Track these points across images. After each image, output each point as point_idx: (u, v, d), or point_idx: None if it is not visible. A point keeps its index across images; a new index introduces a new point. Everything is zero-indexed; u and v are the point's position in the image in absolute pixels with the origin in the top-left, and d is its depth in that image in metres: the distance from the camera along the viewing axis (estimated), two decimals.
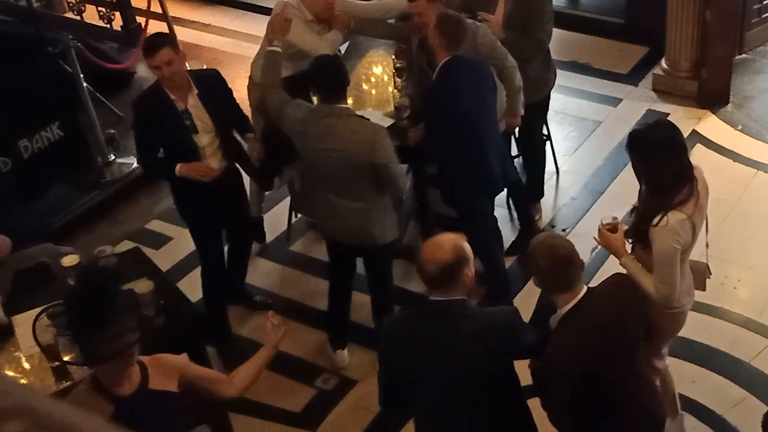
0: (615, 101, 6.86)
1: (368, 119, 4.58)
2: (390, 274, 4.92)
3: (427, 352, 3.22)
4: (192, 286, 5.05)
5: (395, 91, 5.50)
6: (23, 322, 3.95)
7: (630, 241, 3.78)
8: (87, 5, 7.67)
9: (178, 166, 4.49)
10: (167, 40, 4.55)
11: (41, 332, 3.64)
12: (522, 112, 5.13)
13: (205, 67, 6.22)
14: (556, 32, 5.59)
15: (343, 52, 5.78)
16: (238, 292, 5.36)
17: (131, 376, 3.00)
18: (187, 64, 4.66)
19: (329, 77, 4.36)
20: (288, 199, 5.90)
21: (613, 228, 3.78)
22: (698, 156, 5.77)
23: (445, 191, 5.06)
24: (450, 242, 3.21)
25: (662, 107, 6.70)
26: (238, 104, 4.82)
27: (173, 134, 4.52)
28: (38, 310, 3.86)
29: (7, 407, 0.86)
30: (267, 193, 5.80)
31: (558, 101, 6.28)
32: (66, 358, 3.63)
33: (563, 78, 6.21)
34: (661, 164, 3.51)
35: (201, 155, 4.57)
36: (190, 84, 4.51)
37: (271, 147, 4.84)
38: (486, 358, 3.18)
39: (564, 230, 5.69)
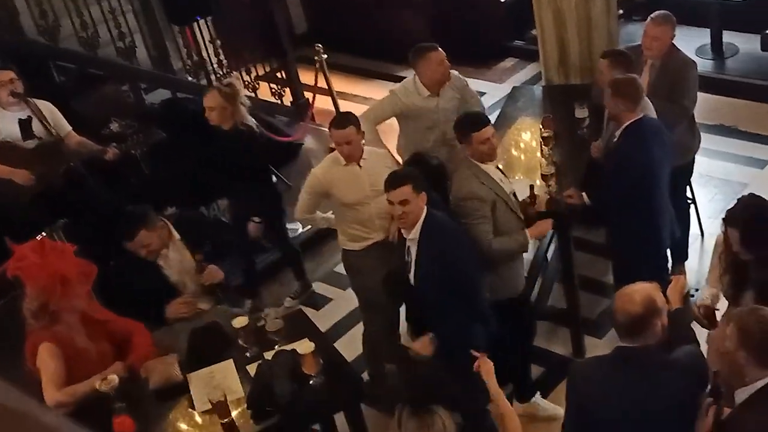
0: (761, 163, 6.75)
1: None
2: (523, 332, 4.99)
3: (615, 396, 3.27)
4: (348, 345, 5.37)
5: (542, 159, 5.53)
6: (197, 379, 4.24)
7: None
8: (260, 83, 8.13)
9: None
10: (411, 177, 4.30)
11: (212, 390, 4.09)
12: None
13: None
14: (702, 96, 5.61)
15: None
16: None
17: None
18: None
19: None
20: None
21: (709, 313, 3.65)
22: None
23: (615, 241, 5.18)
24: (642, 293, 3.24)
25: None
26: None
27: None
28: (212, 367, 4.34)
29: None
30: None
31: (703, 164, 6.25)
32: (234, 414, 3.98)
33: (709, 141, 6.19)
34: None
35: None
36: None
37: None
38: (676, 407, 3.20)
39: None
